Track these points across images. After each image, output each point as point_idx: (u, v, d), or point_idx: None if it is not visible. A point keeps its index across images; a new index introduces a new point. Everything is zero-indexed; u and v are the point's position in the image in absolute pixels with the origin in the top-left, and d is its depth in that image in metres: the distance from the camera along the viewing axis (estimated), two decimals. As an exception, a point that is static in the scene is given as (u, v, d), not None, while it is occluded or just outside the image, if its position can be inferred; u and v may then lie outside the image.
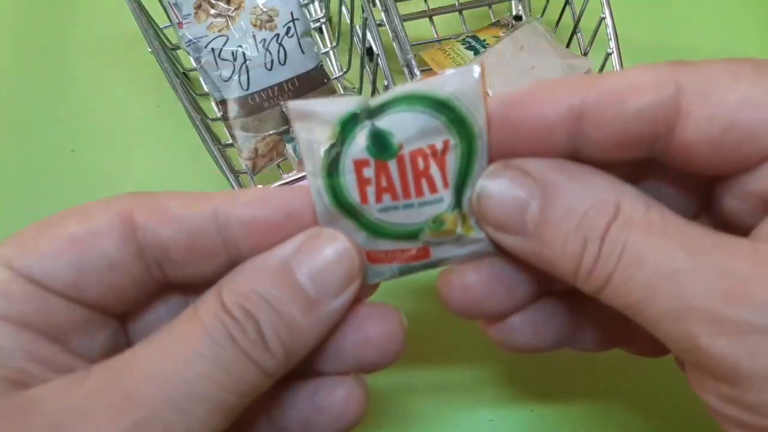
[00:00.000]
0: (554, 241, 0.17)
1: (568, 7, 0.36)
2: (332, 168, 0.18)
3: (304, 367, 0.20)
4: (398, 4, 0.34)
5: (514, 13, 0.39)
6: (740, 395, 0.15)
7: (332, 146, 0.18)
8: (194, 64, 0.33)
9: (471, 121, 0.18)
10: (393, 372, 0.32)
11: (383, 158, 0.18)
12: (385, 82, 0.31)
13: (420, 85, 0.18)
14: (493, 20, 0.39)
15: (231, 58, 0.32)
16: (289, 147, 0.32)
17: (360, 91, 0.35)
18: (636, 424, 0.31)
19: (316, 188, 0.19)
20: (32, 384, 0.16)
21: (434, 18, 0.40)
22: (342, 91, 0.36)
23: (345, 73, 0.37)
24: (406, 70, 0.33)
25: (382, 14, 0.34)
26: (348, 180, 0.18)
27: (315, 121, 0.18)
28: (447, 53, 0.35)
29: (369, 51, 0.33)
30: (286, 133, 0.33)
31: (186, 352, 0.16)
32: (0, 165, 0.37)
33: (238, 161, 0.33)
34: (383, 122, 0.18)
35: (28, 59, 0.41)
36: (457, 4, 0.40)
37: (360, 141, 0.18)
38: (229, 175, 0.30)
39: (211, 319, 0.17)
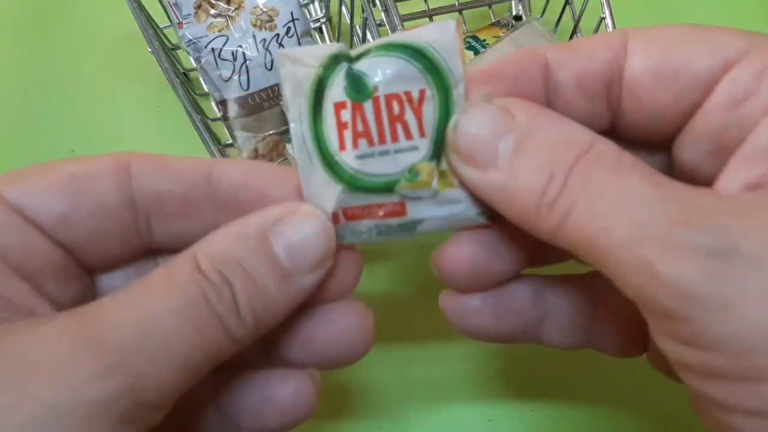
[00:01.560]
0: (522, 172, 0.17)
1: (568, 7, 0.36)
2: (317, 111, 0.19)
3: (270, 354, 0.20)
4: (398, 4, 0.34)
5: (514, 13, 0.39)
6: (696, 332, 0.14)
7: (317, 83, 0.19)
8: (194, 64, 0.33)
9: (446, 70, 0.18)
10: (393, 372, 0.32)
11: (359, 100, 0.19)
12: None
13: (398, 36, 0.19)
14: (493, 20, 0.39)
15: (231, 58, 0.32)
16: (289, 147, 0.32)
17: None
18: (637, 425, 0.31)
19: (300, 137, 0.19)
20: None
21: (434, 18, 0.40)
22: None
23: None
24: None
25: (382, 14, 0.34)
26: (328, 126, 0.19)
27: (301, 64, 0.19)
28: (447, 53, 0.35)
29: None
30: (286, 134, 0.33)
31: (158, 306, 0.16)
32: (0, 165, 0.37)
33: (238, 161, 0.33)
34: (360, 65, 0.19)
35: (28, 59, 0.41)
36: (457, 4, 0.40)
37: (339, 83, 0.19)
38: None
39: (186, 279, 0.17)
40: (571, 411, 0.31)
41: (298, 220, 0.18)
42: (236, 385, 0.20)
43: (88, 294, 0.19)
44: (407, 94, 0.19)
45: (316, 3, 0.38)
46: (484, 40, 0.35)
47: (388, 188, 0.19)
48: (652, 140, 0.19)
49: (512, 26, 0.36)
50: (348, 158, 0.19)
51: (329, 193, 0.19)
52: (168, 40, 0.35)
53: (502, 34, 0.35)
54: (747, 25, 0.47)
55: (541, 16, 0.38)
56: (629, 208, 0.15)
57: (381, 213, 0.20)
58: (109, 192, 0.18)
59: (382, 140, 0.19)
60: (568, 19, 0.36)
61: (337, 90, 0.19)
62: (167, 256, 0.20)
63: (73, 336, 0.15)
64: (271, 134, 0.33)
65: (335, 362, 0.21)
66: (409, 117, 0.19)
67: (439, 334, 0.33)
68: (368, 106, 0.19)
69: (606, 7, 0.33)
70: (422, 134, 0.19)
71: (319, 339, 0.20)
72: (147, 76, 0.39)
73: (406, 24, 0.36)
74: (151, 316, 0.16)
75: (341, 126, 0.19)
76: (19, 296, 0.17)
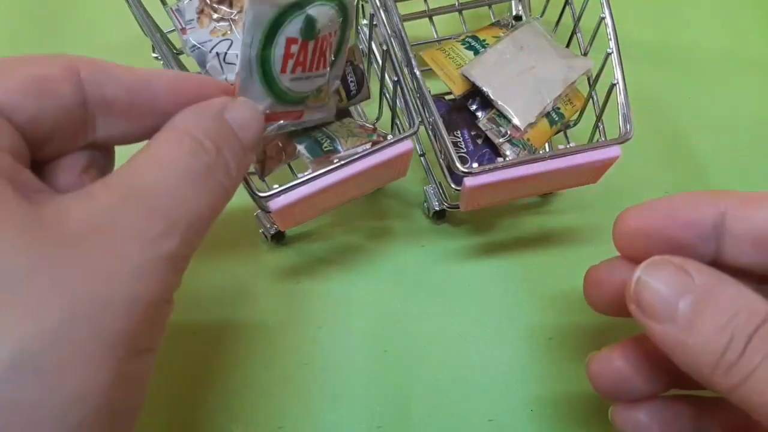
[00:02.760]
0: (701, 333, 0.19)
1: (567, 7, 0.36)
2: (268, 42, 0.24)
3: None
4: (398, 4, 0.34)
5: (514, 13, 0.40)
6: None
7: (275, 20, 0.24)
8: (199, 69, 0.33)
9: (350, 15, 0.27)
10: (393, 372, 0.32)
11: (308, 38, 0.25)
12: (395, 78, 0.31)
13: None
14: (493, 20, 0.39)
15: (236, 62, 0.32)
16: (300, 147, 0.32)
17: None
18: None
19: (247, 59, 0.24)
20: (32, 196, 0.18)
21: (434, 18, 0.40)
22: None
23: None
24: (406, 70, 0.33)
25: (382, 14, 0.34)
26: (276, 53, 0.25)
27: (267, 3, 0.23)
28: (447, 53, 0.35)
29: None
30: (294, 135, 0.33)
31: (178, 178, 0.20)
32: None
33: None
34: (313, 11, 0.25)
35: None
36: (457, 4, 0.40)
37: (296, 23, 0.24)
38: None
39: (191, 146, 0.20)
40: (570, 411, 0.31)
41: (241, 105, 0.23)
42: None
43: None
44: (330, 34, 0.26)
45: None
46: (484, 40, 0.36)
47: (300, 101, 0.27)
48: None
49: (512, 26, 0.37)
50: (285, 79, 0.25)
51: (261, 101, 0.25)
52: (173, 44, 0.36)
53: (502, 34, 0.36)
54: (744, 25, 0.47)
55: (541, 16, 0.38)
56: None
57: (289, 118, 0.27)
58: (68, 95, 0.20)
59: (310, 69, 0.26)
60: (567, 19, 0.36)
61: (293, 28, 0.25)
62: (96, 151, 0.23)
63: (127, 209, 0.18)
64: (279, 136, 0.33)
65: None
66: (327, 52, 0.27)
67: (438, 334, 0.33)
68: (311, 45, 0.25)
69: (606, 7, 0.33)
70: (326, 66, 0.27)
71: None
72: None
73: (405, 24, 0.36)
74: (179, 186, 0.19)
75: (288, 55, 0.25)
76: (30, 180, 0.19)
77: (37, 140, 0.20)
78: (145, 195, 0.19)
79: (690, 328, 0.19)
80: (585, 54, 0.35)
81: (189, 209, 0.19)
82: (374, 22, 0.32)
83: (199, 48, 0.31)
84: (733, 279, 0.20)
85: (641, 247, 0.22)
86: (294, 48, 0.25)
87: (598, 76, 0.33)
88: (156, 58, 0.32)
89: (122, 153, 0.23)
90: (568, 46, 0.36)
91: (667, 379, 0.23)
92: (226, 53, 0.32)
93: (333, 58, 0.27)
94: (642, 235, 0.22)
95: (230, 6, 0.32)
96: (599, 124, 0.33)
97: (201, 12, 0.32)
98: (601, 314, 0.25)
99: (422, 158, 0.37)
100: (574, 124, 0.36)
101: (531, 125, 0.33)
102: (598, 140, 0.33)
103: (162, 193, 0.19)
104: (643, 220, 0.22)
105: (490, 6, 0.40)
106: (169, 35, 0.34)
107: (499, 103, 0.33)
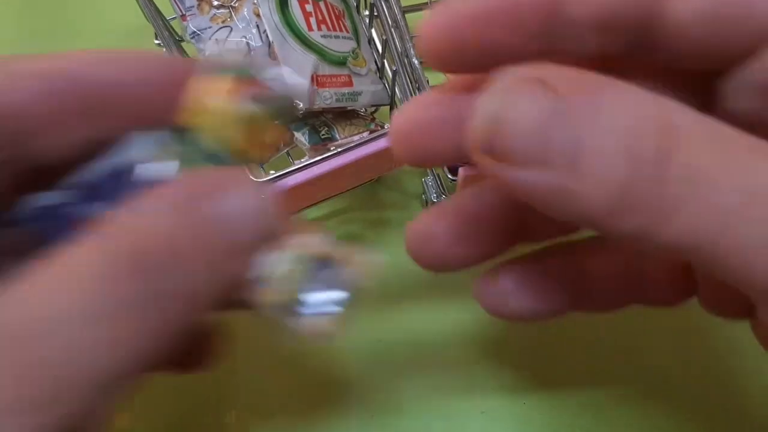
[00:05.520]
0: (593, 168, 0.13)
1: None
2: (283, 6, 0.27)
3: None
4: (401, -5, 0.34)
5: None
6: None
7: None
8: (199, 56, 0.33)
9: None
10: (386, 362, 0.32)
11: None
12: (394, 67, 0.31)
13: None
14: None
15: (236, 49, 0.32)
16: (298, 134, 0.32)
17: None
18: (630, 417, 0.31)
19: (272, 24, 0.27)
20: None
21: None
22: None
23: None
24: (405, 60, 0.33)
25: (383, 4, 0.34)
26: (296, 14, 0.27)
27: None
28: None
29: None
30: (291, 123, 0.33)
31: (79, 315, 0.12)
32: None
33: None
34: None
35: (31, 45, 0.42)
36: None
37: None
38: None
39: (117, 270, 0.13)
40: (563, 404, 0.31)
41: (235, 191, 0.15)
42: None
43: None
44: (336, 8, 0.30)
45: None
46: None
47: (342, 62, 0.29)
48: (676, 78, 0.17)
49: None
50: (316, 36, 0.27)
51: (307, 62, 0.27)
52: (175, 31, 0.36)
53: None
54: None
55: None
56: (756, 199, 0.12)
57: (338, 82, 0.28)
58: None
59: (335, 29, 0.28)
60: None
61: None
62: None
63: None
64: (276, 123, 0.33)
65: None
66: (342, 19, 0.30)
67: (433, 324, 0.33)
68: (322, 5, 0.28)
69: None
70: (348, 31, 0.30)
71: None
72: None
73: (409, 15, 0.36)
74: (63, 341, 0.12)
75: (307, 15, 0.27)
76: None
77: None
78: (23, 339, 0.12)
79: (575, 166, 0.13)
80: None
81: (93, 364, 0.12)
82: (375, 13, 0.32)
83: (198, 35, 0.32)
84: (606, 78, 0.14)
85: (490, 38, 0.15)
86: (308, 7, 0.28)
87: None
88: (158, 44, 0.32)
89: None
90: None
91: (506, 236, 0.19)
92: (225, 40, 0.32)
93: (354, 36, 0.30)
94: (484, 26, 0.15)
95: (231, -7, 0.32)
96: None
97: (201, -1, 0.32)
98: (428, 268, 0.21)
99: (422, 149, 0.37)
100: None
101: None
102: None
103: (50, 337, 0.12)
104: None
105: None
106: (172, 22, 0.35)
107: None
